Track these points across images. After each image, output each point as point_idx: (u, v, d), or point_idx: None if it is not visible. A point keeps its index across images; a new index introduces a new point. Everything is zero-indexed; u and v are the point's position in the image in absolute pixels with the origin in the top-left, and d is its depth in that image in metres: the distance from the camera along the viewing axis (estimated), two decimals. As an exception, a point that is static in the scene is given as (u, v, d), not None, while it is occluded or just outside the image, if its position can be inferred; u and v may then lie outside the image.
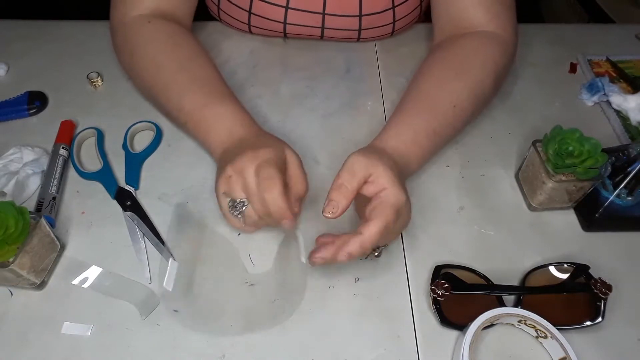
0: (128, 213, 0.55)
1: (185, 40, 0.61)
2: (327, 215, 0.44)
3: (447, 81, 0.57)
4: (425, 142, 0.54)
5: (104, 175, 0.58)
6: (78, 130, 0.63)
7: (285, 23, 0.70)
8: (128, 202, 0.56)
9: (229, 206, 0.48)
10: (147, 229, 0.53)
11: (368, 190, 0.45)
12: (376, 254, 0.48)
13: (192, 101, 0.55)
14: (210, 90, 0.56)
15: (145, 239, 0.53)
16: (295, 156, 0.50)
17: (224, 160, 0.49)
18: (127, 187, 0.57)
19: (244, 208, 0.47)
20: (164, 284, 0.49)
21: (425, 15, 0.74)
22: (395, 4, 0.68)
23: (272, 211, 0.45)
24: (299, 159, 0.50)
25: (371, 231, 0.43)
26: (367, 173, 0.45)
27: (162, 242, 0.52)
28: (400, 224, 0.46)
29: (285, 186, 0.46)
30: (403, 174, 0.50)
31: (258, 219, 0.47)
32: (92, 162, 0.60)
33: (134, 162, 0.60)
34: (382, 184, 0.45)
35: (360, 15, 0.68)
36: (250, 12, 0.69)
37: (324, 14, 0.68)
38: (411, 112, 0.55)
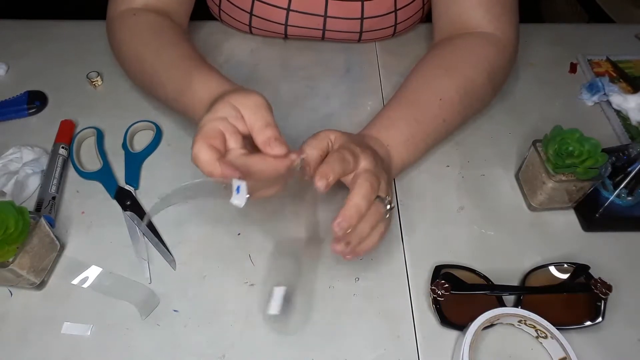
0: (128, 213, 0.54)
1: (165, 28, 0.60)
2: (322, 189, 0.41)
3: (435, 77, 0.58)
4: (406, 128, 0.53)
5: (104, 175, 0.58)
6: (78, 130, 0.63)
7: (286, 25, 0.70)
8: (128, 201, 0.56)
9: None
10: (147, 228, 0.53)
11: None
12: (388, 206, 0.44)
13: (177, 76, 0.53)
14: (192, 64, 0.54)
15: (145, 238, 0.53)
16: (247, 100, 0.45)
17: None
18: (127, 187, 0.57)
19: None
20: (270, 310, 0.44)
21: (426, 16, 0.74)
22: (398, 7, 0.68)
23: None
24: (257, 101, 0.46)
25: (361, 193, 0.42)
26: (356, 148, 0.45)
27: (162, 242, 0.52)
28: (382, 168, 0.46)
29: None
30: (385, 161, 0.49)
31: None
32: (91, 162, 0.60)
33: (134, 162, 0.60)
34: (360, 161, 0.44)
35: (362, 18, 0.68)
36: (251, 14, 0.69)
37: (325, 16, 0.68)
38: (391, 104, 0.56)
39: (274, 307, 0.44)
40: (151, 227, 0.54)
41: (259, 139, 0.43)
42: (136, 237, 0.53)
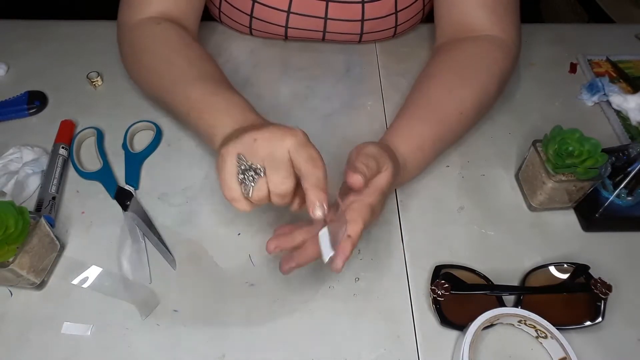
0: (128, 213, 0.54)
1: (193, 42, 0.61)
2: (352, 180, 0.43)
3: (454, 88, 0.57)
4: (430, 150, 0.54)
5: (104, 175, 0.58)
6: (78, 130, 0.63)
7: (286, 27, 0.70)
8: (128, 202, 0.56)
9: (239, 171, 0.42)
10: (147, 228, 0.53)
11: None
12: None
13: (201, 90, 0.53)
14: (219, 82, 0.55)
15: (146, 238, 0.53)
16: (308, 148, 0.44)
17: (242, 130, 0.45)
18: (127, 187, 0.57)
19: (256, 177, 0.42)
20: (324, 257, 0.43)
21: (426, 17, 0.74)
22: (399, 8, 0.68)
23: (284, 194, 0.42)
24: (315, 153, 0.44)
25: (357, 232, 0.43)
26: (377, 166, 0.45)
27: (162, 242, 0.52)
28: (378, 212, 0.47)
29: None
30: (397, 179, 0.50)
31: (266, 195, 0.42)
32: (92, 162, 0.60)
33: (134, 162, 0.60)
34: (378, 186, 0.46)
35: (362, 20, 0.68)
36: (251, 16, 0.69)
37: (326, 18, 0.68)
38: (419, 118, 0.56)
39: (326, 252, 0.43)
40: (151, 226, 0.53)
41: (310, 196, 0.42)
42: (136, 237, 0.53)
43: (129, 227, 0.53)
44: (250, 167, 0.42)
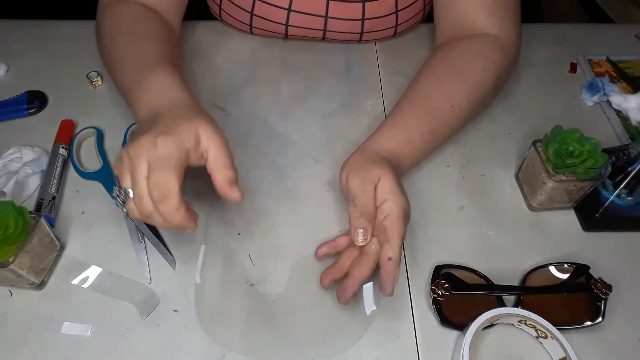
0: None
1: (148, 21, 0.59)
2: (359, 243, 0.46)
3: (445, 82, 0.57)
4: (420, 143, 0.54)
5: (104, 175, 0.58)
6: (78, 129, 0.63)
7: (287, 25, 0.70)
8: None
9: (113, 191, 0.43)
10: (146, 228, 0.53)
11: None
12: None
13: (131, 70, 0.51)
14: (151, 61, 0.52)
15: (145, 238, 0.53)
16: (215, 137, 0.43)
17: (133, 135, 0.45)
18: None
19: (124, 198, 0.42)
20: (367, 310, 0.46)
21: (427, 16, 0.74)
22: (399, 8, 0.68)
23: (171, 223, 0.42)
24: (221, 139, 0.44)
25: (396, 250, 0.44)
26: (374, 186, 0.47)
27: (163, 242, 0.52)
28: (405, 220, 0.47)
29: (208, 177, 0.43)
30: (397, 170, 0.50)
31: (140, 216, 0.42)
32: (91, 162, 0.60)
33: (134, 162, 0.59)
34: (383, 196, 0.46)
35: (363, 19, 0.68)
36: (252, 14, 0.69)
37: (326, 17, 0.68)
38: (407, 113, 0.56)
39: (369, 306, 0.46)
40: (151, 227, 0.53)
41: (219, 177, 0.43)
42: (135, 237, 0.53)
43: (129, 227, 0.53)
44: (119, 190, 0.42)
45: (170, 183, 0.40)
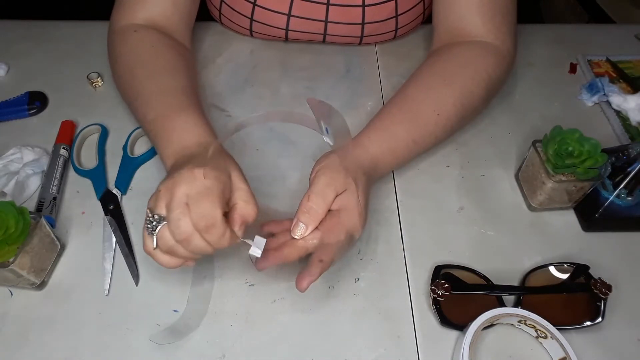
0: (108, 217, 0.54)
1: (165, 50, 0.59)
2: (295, 236, 0.44)
3: (434, 88, 0.56)
4: (402, 152, 0.54)
5: (96, 175, 0.58)
6: (81, 127, 0.63)
7: (287, 30, 0.69)
8: (111, 205, 0.55)
9: (145, 220, 0.41)
10: (120, 236, 0.52)
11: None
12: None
13: (155, 111, 0.52)
14: (174, 101, 0.52)
15: (117, 247, 0.52)
16: (243, 181, 0.45)
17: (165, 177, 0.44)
18: (114, 190, 0.56)
19: (159, 226, 0.40)
20: (252, 252, 0.44)
21: (427, 18, 0.74)
22: (399, 12, 0.68)
23: (214, 248, 0.42)
24: (247, 183, 0.45)
25: (330, 257, 0.44)
26: (336, 194, 0.45)
27: (132, 254, 0.51)
28: (348, 243, 0.46)
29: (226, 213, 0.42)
30: (370, 180, 0.50)
31: (174, 244, 0.41)
32: (90, 160, 0.60)
33: (129, 166, 0.59)
34: (340, 207, 0.45)
35: (362, 23, 0.68)
36: (252, 19, 0.69)
37: (326, 21, 0.68)
38: (394, 119, 0.55)
39: (256, 250, 0.44)
40: (125, 236, 0.53)
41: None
42: (109, 243, 0.52)
43: (106, 232, 0.53)
44: (153, 217, 0.40)
45: (214, 214, 0.40)
